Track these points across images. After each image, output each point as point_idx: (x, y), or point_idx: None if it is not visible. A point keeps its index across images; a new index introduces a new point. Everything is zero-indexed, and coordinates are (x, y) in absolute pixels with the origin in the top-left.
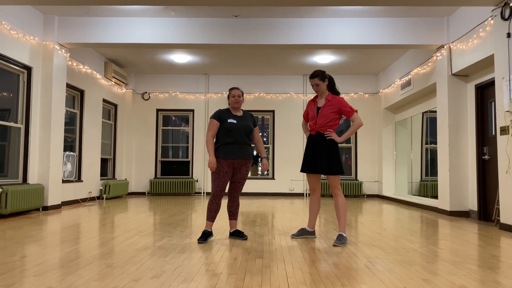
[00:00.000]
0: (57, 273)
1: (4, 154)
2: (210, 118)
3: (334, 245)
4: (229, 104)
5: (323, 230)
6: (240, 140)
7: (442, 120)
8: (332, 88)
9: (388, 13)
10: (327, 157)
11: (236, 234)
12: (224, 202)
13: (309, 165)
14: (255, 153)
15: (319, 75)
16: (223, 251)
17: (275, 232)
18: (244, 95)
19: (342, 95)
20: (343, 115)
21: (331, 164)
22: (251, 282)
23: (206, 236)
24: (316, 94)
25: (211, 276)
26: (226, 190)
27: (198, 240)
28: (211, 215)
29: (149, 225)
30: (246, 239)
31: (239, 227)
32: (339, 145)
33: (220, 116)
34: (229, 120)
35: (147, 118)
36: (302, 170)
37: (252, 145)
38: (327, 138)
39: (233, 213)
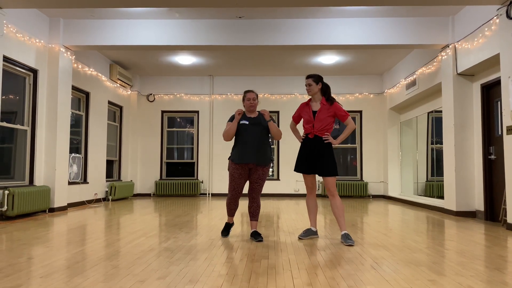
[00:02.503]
0: (63, 275)
1: (10, 156)
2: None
3: (349, 245)
4: (244, 107)
5: (329, 231)
6: (251, 141)
7: (448, 120)
8: (328, 96)
9: (393, 13)
10: (324, 160)
11: (253, 235)
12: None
13: (308, 166)
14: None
15: (314, 77)
16: (229, 252)
17: (280, 233)
18: (258, 97)
19: (347, 96)
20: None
21: (328, 166)
22: (256, 283)
23: (227, 227)
24: (310, 97)
25: (216, 277)
26: (246, 191)
27: (222, 234)
28: (230, 212)
29: (154, 226)
30: (260, 241)
31: (247, 227)
32: (341, 146)
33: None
34: (241, 122)
35: (152, 119)
36: (299, 170)
37: (272, 146)
38: (325, 141)
39: (253, 214)
